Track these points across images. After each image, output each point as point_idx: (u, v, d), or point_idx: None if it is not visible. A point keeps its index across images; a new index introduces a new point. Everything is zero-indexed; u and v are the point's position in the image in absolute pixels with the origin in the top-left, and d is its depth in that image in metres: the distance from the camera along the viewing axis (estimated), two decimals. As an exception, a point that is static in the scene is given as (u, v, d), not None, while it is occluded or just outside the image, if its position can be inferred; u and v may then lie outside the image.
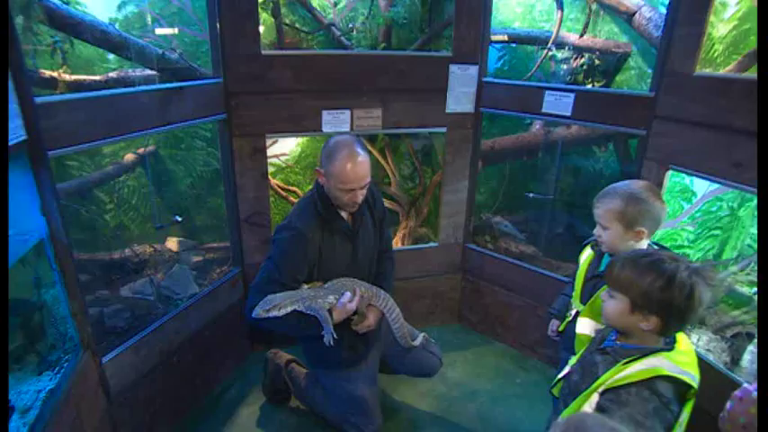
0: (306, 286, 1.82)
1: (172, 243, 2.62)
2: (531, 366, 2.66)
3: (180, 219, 2.34)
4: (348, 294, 1.82)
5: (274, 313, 1.65)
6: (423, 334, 2.15)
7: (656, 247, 1.61)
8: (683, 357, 1.15)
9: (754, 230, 2.49)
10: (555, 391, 1.52)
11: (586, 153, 3.03)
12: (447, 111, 2.50)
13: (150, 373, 1.95)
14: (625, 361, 1.18)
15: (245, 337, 2.61)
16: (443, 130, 2.54)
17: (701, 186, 2.43)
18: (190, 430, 2.16)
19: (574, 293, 1.76)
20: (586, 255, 1.75)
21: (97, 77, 2.18)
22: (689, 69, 1.83)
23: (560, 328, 1.84)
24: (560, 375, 1.50)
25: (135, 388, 1.88)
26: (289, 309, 1.69)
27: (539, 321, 2.66)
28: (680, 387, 1.12)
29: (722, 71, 2.26)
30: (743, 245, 2.53)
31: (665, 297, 1.10)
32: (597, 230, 1.60)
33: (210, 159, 2.63)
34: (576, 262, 1.81)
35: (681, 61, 1.86)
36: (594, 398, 1.21)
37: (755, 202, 2.47)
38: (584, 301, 1.69)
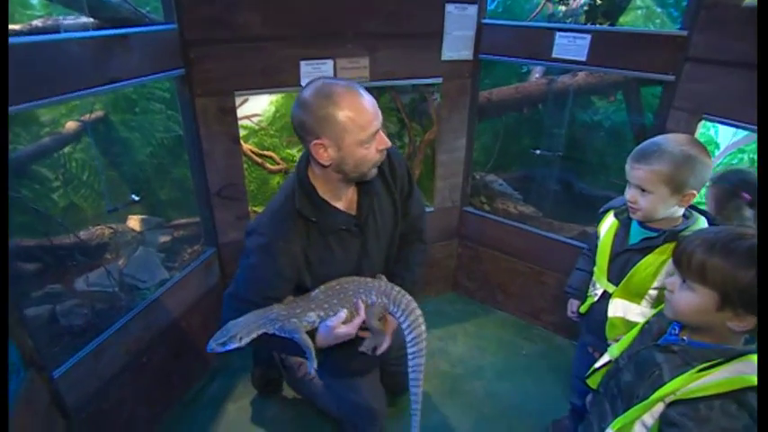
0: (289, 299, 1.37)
1: (134, 222, 2.29)
2: (536, 336, 2.51)
3: (137, 198, 1.99)
4: (342, 314, 1.32)
5: (233, 345, 1.24)
6: None
7: (695, 212, 1.39)
8: None
9: (771, 182, 2.32)
10: (592, 383, 1.33)
11: (591, 104, 2.78)
12: (442, 59, 2.19)
13: (116, 378, 1.68)
14: (702, 366, 0.96)
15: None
16: (439, 80, 2.23)
17: (726, 137, 2.23)
18: (170, 435, 1.93)
19: (597, 270, 1.54)
20: (608, 224, 1.52)
21: (17, 26, 1.77)
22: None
23: (582, 309, 1.63)
24: (598, 365, 1.30)
25: (98, 398, 1.61)
26: (254, 335, 1.27)
27: (543, 288, 2.51)
28: None
29: None
30: (758, 198, 2.37)
31: None
32: (632, 195, 1.36)
33: (171, 124, 2.26)
34: (595, 232, 1.59)
35: (726, -10, 1.59)
36: (659, 407, 1.00)
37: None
38: (612, 279, 1.48)
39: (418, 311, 1.36)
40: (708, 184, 1.54)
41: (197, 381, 2.16)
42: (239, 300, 1.34)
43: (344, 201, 1.37)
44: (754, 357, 0.93)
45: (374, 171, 1.32)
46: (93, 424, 1.59)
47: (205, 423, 1.97)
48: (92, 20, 1.71)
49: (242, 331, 1.25)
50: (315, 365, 1.29)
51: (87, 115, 2.10)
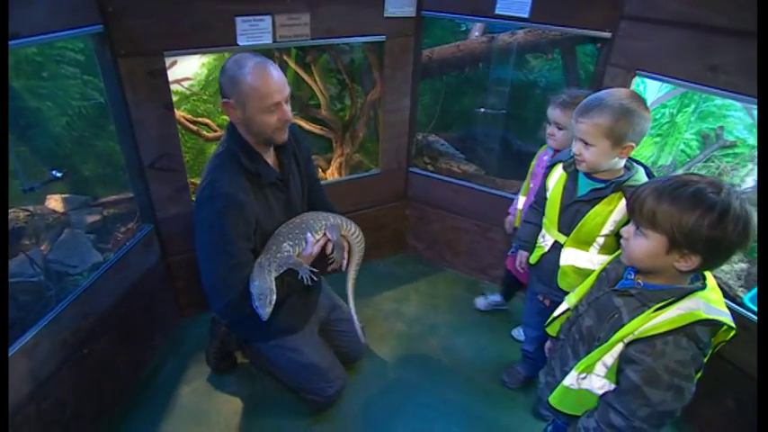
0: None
1: (54, 202, 2.04)
2: (486, 290, 2.61)
3: (59, 174, 1.75)
4: (311, 237, 1.59)
5: (273, 296, 1.45)
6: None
7: (635, 163, 1.48)
8: (714, 295, 1.04)
9: (688, 135, 2.53)
10: (551, 331, 1.40)
11: (529, 63, 2.83)
12: (385, 15, 2.11)
13: (53, 375, 1.52)
14: (657, 306, 1.03)
15: (173, 304, 2.22)
16: (382, 38, 2.16)
17: (653, 92, 2.36)
18: (122, 427, 1.81)
19: (547, 221, 1.60)
20: (557, 176, 1.57)
21: None
22: (669, -42, 1.62)
23: (532, 260, 1.70)
24: (557, 314, 1.37)
25: (33, 401, 1.44)
26: (275, 284, 1.47)
27: (489, 243, 2.60)
28: (714, 328, 1.01)
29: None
30: (677, 150, 2.57)
31: (717, 234, 0.94)
32: (577, 148, 1.41)
33: (90, 91, 2.01)
34: (543, 184, 1.65)
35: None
36: (618, 347, 1.07)
37: (693, 106, 2.48)
38: (563, 229, 1.54)
39: (357, 227, 1.78)
40: None
41: (146, 367, 2.04)
42: (233, 270, 1.44)
43: (270, 160, 1.56)
44: (701, 294, 1.02)
45: (282, 137, 1.50)
46: (32, 428, 1.44)
47: (158, 410, 1.87)
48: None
49: (268, 286, 1.45)
50: (310, 272, 1.55)
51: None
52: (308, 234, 1.59)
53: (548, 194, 1.60)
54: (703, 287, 1.04)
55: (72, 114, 1.98)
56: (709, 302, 1.01)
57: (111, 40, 1.60)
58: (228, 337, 1.95)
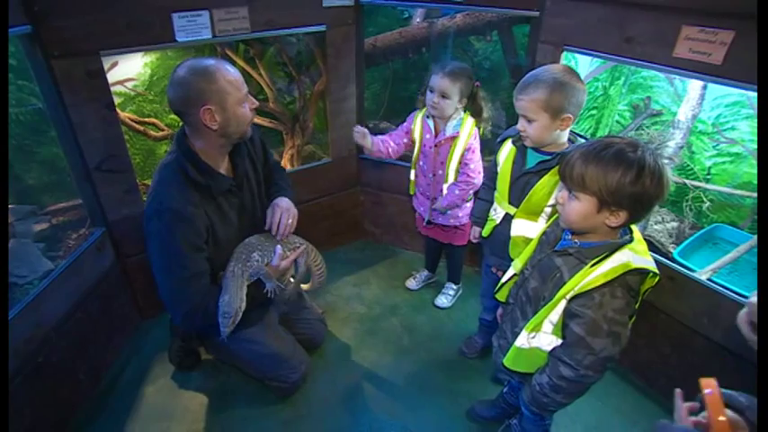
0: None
1: (-3, 213, 2.00)
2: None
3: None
4: (279, 250, 1.65)
5: (239, 318, 1.52)
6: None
7: (578, 136, 1.58)
8: (641, 246, 1.13)
9: (621, 107, 2.68)
10: (501, 297, 1.48)
11: (471, 45, 2.92)
12: (324, 5, 2.14)
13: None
14: (593, 262, 1.12)
15: (132, 306, 2.21)
16: (323, 28, 2.19)
17: (584, 67, 2.49)
18: None
19: (498, 194, 1.69)
20: (507, 151, 1.65)
21: None
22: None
23: (485, 233, 1.79)
24: (505, 279, 1.45)
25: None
26: (243, 295, 1.54)
27: (445, 224, 2.67)
28: (643, 276, 1.11)
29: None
30: (612, 121, 2.72)
31: (638, 188, 1.03)
32: (521, 124, 1.50)
33: (25, 96, 1.96)
34: (493, 161, 1.73)
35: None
36: (562, 304, 1.16)
37: (623, 79, 2.63)
38: (513, 201, 1.63)
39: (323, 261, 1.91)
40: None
41: (107, 371, 2.02)
42: (187, 282, 1.46)
43: (222, 167, 1.58)
44: (629, 246, 1.11)
45: (250, 131, 1.56)
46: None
47: (123, 412, 1.87)
48: None
49: (234, 301, 1.49)
50: (276, 285, 1.62)
51: None
52: (278, 246, 1.65)
53: (498, 169, 1.68)
54: (631, 240, 1.14)
55: (9, 122, 1.94)
56: (637, 253, 1.10)
57: (42, 41, 1.58)
58: (189, 334, 1.96)
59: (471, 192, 2.01)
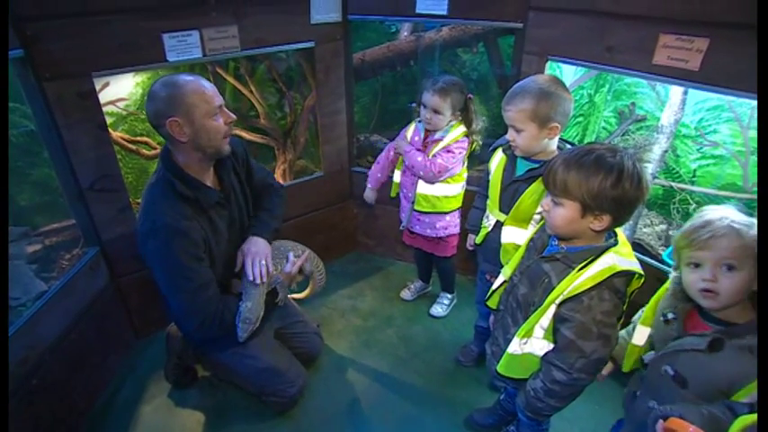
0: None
1: (-11, 235, 1.99)
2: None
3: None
4: (292, 256, 1.77)
5: (257, 326, 1.62)
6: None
7: (567, 144, 1.61)
8: (625, 249, 1.16)
9: (607, 113, 2.73)
10: (492, 304, 1.50)
11: (458, 58, 2.97)
12: (312, 22, 2.18)
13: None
14: (580, 266, 1.14)
15: (127, 325, 2.20)
16: (311, 44, 2.23)
17: (569, 76, 2.54)
18: (83, 451, 1.78)
19: (490, 202, 1.72)
20: (498, 160, 1.68)
21: None
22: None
23: (478, 241, 1.82)
24: (495, 286, 1.47)
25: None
26: (263, 306, 1.64)
27: (438, 234, 2.69)
28: (628, 278, 1.13)
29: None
30: (599, 128, 2.77)
31: (618, 192, 1.06)
32: (510, 134, 1.54)
33: (17, 118, 1.97)
34: (486, 170, 1.76)
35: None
36: (552, 309, 1.18)
37: (608, 87, 2.69)
38: (504, 209, 1.66)
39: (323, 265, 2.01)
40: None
41: (102, 392, 2.00)
42: (196, 293, 1.48)
43: (209, 180, 1.58)
44: (614, 249, 1.14)
45: (227, 147, 1.55)
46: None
47: None
48: None
49: (256, 308, 1.59)
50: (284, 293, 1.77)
51: None
52: (290, 254, 1.76)
53: (489, 177, 1.71)
54: (616, 243, 1.16)
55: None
56: (622, 255, 1.13)
57: (34, 64, 1.60)
58: (185, 351, 1.96)
59: (422, 175, 2.00)
